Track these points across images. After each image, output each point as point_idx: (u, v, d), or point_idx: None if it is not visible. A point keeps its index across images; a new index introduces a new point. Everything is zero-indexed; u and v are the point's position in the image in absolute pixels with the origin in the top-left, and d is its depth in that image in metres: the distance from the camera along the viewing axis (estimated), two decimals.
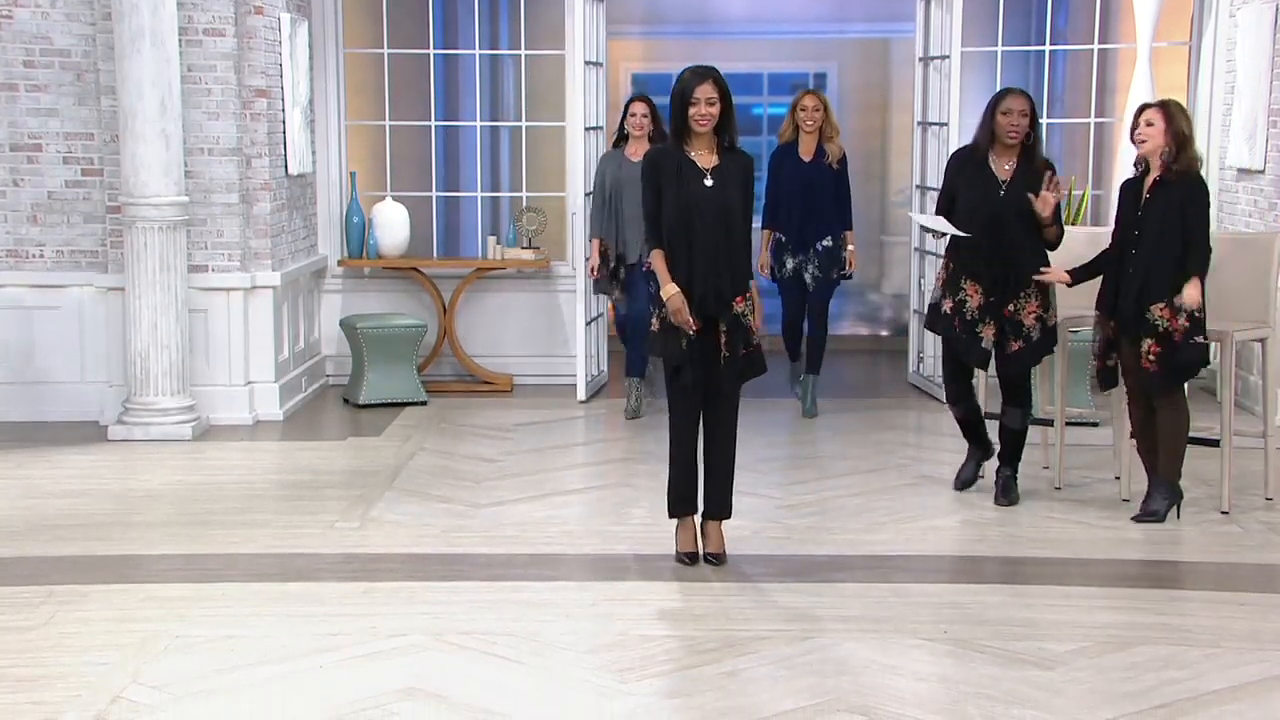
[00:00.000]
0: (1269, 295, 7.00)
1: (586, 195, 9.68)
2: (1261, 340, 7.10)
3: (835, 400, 9.54)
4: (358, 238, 10.04)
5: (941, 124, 9.62)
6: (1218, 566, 6.20)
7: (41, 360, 8.97)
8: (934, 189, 9.84)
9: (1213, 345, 7.49)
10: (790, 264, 9.00)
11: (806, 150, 8.98)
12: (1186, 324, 6.52)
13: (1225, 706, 4.71)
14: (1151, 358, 6.58)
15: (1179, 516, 6.75)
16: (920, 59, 10.06)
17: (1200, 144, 9.90)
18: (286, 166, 9.31)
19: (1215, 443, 7.01)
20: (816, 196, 8.89)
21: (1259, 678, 4.95)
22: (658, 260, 6.03)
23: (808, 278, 9.00)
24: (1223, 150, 9.73)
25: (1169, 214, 6.52)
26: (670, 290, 5.95)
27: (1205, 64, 9.90)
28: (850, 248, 9.05)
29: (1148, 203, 6.60)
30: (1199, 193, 6.58)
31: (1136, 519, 6.73)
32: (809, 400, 9.10)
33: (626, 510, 7.01)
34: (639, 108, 8.91)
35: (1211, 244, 6.63)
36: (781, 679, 4.92)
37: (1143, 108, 6.70)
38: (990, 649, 5.18)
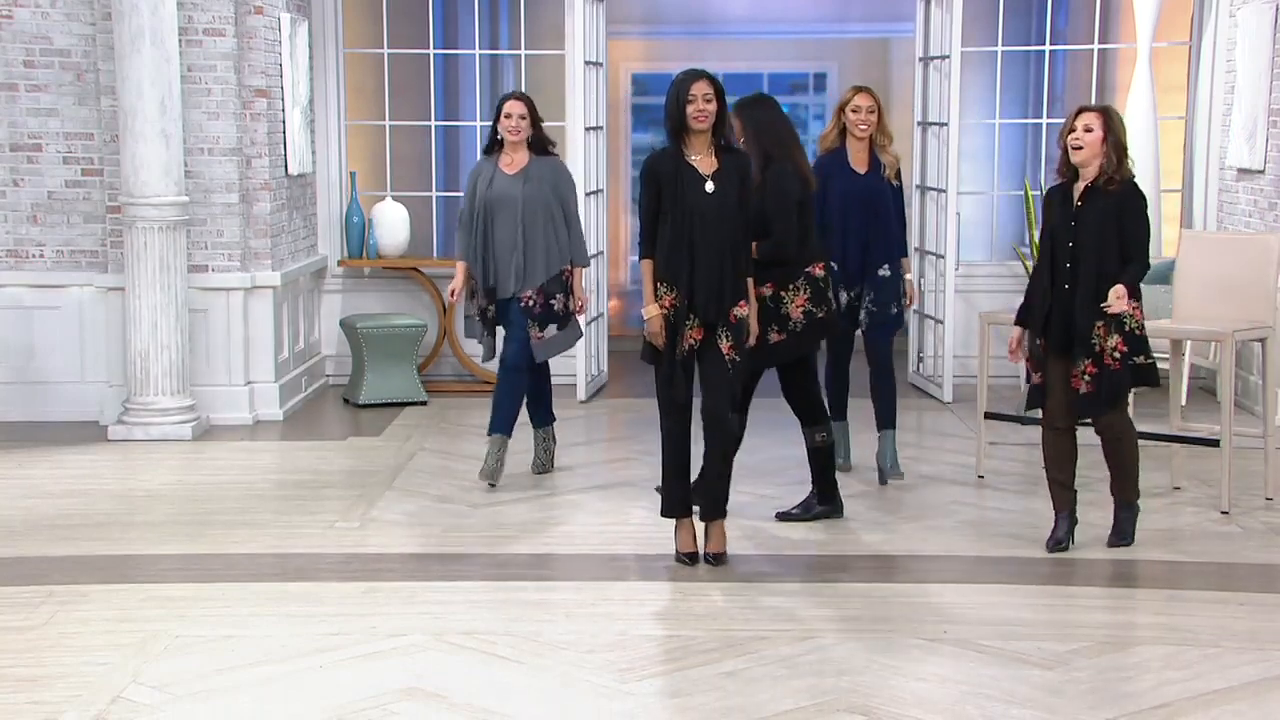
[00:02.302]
0: (1269, 295, 7.00)
1: (586, 195, 9.68)
2: (1261, 340, 7.10)
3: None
4: (358, 238, 10.04)
5: (942, 124, 9.62)
6: (1218, 566, 6.20)
7: (41, 360, 8.97)
8: (934, 189, 9.86)
9: (1220, 352, 7.43)
10: (845, 297, 7.29)
11: (860, 160, 7.32)
12: (1123, 347, 6.08)
13: (1225, 706, 4.71)
14: (1087, 378, 6.12)
15: (1134, 531, 6.38)
16: (920, 59, 10.06)
17: (1200, 144, 9.96)
18: (286, 166, 9.31)
19: (1215, 443, 7.01)
20: (878, 215, 7.28)
21: (1259, 678, 4.95)
22: (645, 273, 6.05)
23: (862, 314, 7.34)
24: (1223, 150, 9.74)
25: (1107, 225, 6.07)
26: (651, 311, 5.99)
27: (1205, 64, 9.91)
28: (908, 276, 7.51)
29: (1080, 212, 6.13)
30: (1137, 202, 6.11)
31: (1111, 544, 6.33)
32: (890, 458, 7.45)
33: (626, 510, 7.01)
34: (515, 107, 7.30)
35: (1150, 260, 6.19)
36: (781, 679, 4.92)
37: (1080, 110, 6.20)
38: (990, 649, 5.18)
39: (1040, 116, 10.80)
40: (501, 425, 7.39)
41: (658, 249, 6.01)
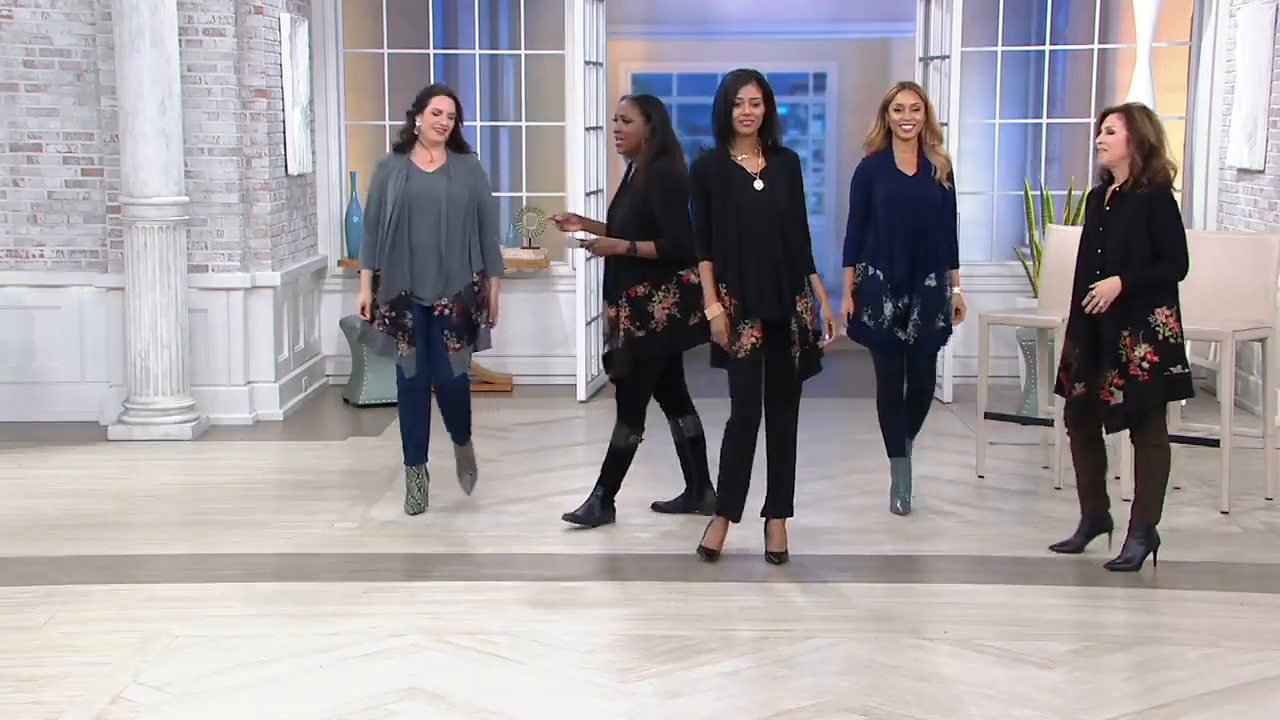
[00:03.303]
0: (1269, 295, 7.00)
1: (586, 195, 9.69)
2: (1261, 340, 7.10)
3: (835, 400, 9.54)
4: (358, 238, 10.04)
5: (942, 124, 9.61)
6: (1218, 566, 6.20)
7: (42, 360, 8.97)
8: None
9: (1215, 349, 7.42)
10: (889, 310, 6.73)
11: (907, 162, 6.73)
12: (1153, 357, 5.88)
13: (1225, 706, 4.71)
14: (1114, 389, 5.92)
15: (1155, 564, 6.08)
16: (920, 59, 10.06)
17: (1200, 144, 9.95)
18: (286, 166, 9.31)
19: (1215, 443, 7.01)
20: (926, 221, 6.70)
21: (1259, 678, 4.96)
22: (705, 274, 6.06)
23: (910, 328, 6.77)
24: (1223, 150, 9.74)
25: (1133, 230, 5.87)
26: (714, 311, 6.01)
27: (1205, 64, 9.91)
28: (957, 289, 6.87)
29: (1108, 216, 5.95)
30: (1164, 203, 5.88)
31: (1111, 567, 6.05)
32: (903, 487, 6.98)
33: (624, 510, 7.00)
34: (444, 104, 6.68)
35: (1186, 263, 5.97)
36: (781, 679, 4.92)
37: (1106, 113, 5.99)
38: (991, 649, 5.18)
39: (1040, 116, 10.80)
40: (465, 433, 7.11)
41: (714, 250, 6.02)
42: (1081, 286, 6.05)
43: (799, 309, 6.00)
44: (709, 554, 6.16)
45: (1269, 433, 7.12)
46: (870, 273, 6.73)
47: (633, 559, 6.29)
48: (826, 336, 6.11)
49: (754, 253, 5.95)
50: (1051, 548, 6.30)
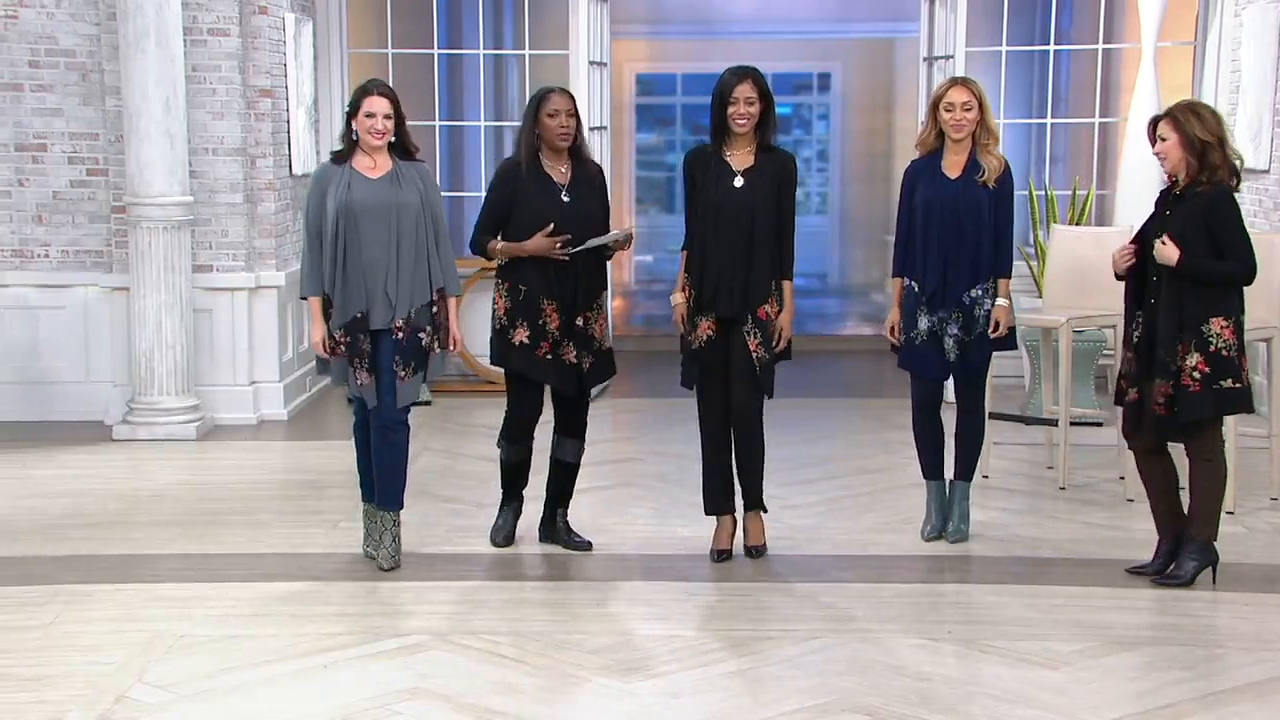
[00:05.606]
0: (1273, 295, 6.99)
1: None
2: (1266, 340, 7.10)
3: (836, 400, 9.54)
4: None
5: None
6: (1222, 566, 6.18)
7: (47, 360, 8.98)
8: None
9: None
10: (925, 323, 6.21)
11: (954, 165, 6.15)
12: (1204, 367, 5.64)
13: (1230, 707, 4.71)
14: (1161, 400, 5.68)
15: (1215, 582, 5.87)
16: (924, 59, 10.05)
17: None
18: (291, 166, 9.32)
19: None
20: (967, 229, 6.12)
21: (1264, 678, 4.95)
22: (682, 262, 6.14)
23: (949, 341, 6.21)
24: None
25: (1189, 231, 5.64)
26: (677, 299, 6.11)
27: (1210, 64, 9.90)
28: (1002, 301, 6.20)
29: (1167, 221, 5.72)
30: (1223, 206, 5.67)
31: (1159, 582, 5.85)
32: (957, 517, 6.48)
33: (627, 510, 7.01)
34: (378, 105, 5.87)
35: (1253, 267, 5.78)
36: (784, 679, 4.92)
37: (1154, 121, 5.74)
38: (994, 649, 5.18)
39: (1045, 116, 10.80)
40: (397, 497, 6.21)
41: (689, 241, 6.09)
42: (1135, 289, 5.84)
43: (769, 311, 6.00)
44: (721, 554, 6.17)
45: (1274, 433, 7.12)
46: (906, 284, 6.26)
47: (636, 559, 6.29)
48: (775, 342, 6.07)
49: (717, 248, 5.97)
50: (1128, 570, 6.02)
